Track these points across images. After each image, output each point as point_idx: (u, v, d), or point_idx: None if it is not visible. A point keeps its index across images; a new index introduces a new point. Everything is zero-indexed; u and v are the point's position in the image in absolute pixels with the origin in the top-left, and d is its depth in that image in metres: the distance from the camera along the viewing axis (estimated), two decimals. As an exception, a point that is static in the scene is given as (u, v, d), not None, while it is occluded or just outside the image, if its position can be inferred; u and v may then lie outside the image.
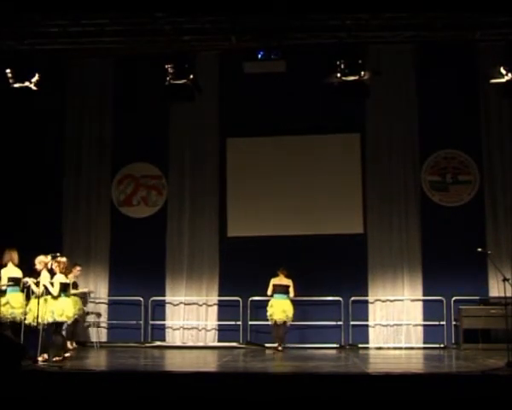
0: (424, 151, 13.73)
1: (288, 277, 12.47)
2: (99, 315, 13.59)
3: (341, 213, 13.75)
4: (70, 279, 12.15)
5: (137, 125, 13.91)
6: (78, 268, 12.75)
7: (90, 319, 13.32)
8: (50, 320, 10.02)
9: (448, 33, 11.53)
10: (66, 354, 10.44)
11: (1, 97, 11.95)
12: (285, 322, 12.40)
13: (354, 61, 11.32)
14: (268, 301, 12.51)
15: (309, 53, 12.48)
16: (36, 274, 10.11)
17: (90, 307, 13.32)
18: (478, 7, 10.60)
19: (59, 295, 10.16)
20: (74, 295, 12.39)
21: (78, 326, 12.77)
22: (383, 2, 10.65)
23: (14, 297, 10.23)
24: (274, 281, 12.47)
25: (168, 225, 14.04)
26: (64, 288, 10.36)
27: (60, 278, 10.28)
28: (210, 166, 14.07)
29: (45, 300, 9.91)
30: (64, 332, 11.09)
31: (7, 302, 10.19)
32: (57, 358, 10.03)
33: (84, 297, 12.72)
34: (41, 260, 10.12)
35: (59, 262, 10.36)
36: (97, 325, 13.49)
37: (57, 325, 10.25)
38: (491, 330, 12.36)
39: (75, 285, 12.56)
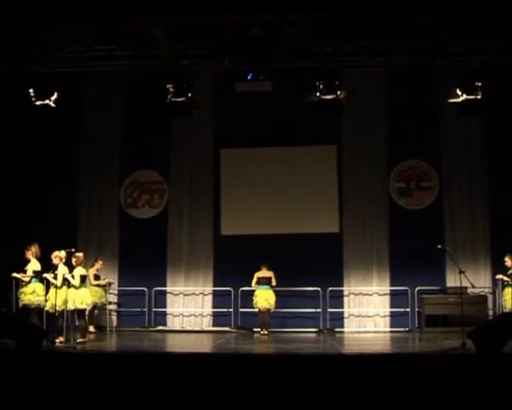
0: (392, 161, 13.82)
1: (269, 269, 12.51)
2: (119, 305, 13.60)
3: (320, 215, 13.80)
4: (92, 272, 12.28)
5: (142, 137, 13.88)
6: (100, 262, 12.80)
7: (111, 307, 13.28)
8: (72, 308, 10.05)
9: (412, 59, 11.57)
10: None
11: (25, 113, 11.96)
12: (268, 309, 12.44)
13: (331, 82, 11.35)
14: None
15: (292, 75, 12.50)
16: (53, 267, 10.13)
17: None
18: (439, 37, 10.71)
19: (79, 286, 10.20)
20: (98, 285, 12.45)
21: (95, 312, 12.76)
22: (356, 31, 10.69)
23: (38, 287, 10.41)
24: (258, 274, 12.53)
25: (169, 224, 14.06)
26: (82, 279, 10.40)
27: (80, 271, 10.33)
28: (206, 174, 14.09)
29: (66, 290, 9.93)
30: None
31: (33, 291, 10.36)
32: (81, 339, 10.06)
33: (105, 287, 12.69)
34: (56, 255, 10.19)
35: (76, 257, 10.41)
36: (116, 313, 13.52)
37: (79, 312, 10.27)
38: (449, 316, 12.45)
39: (97, 277, 12.61)
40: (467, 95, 11.22)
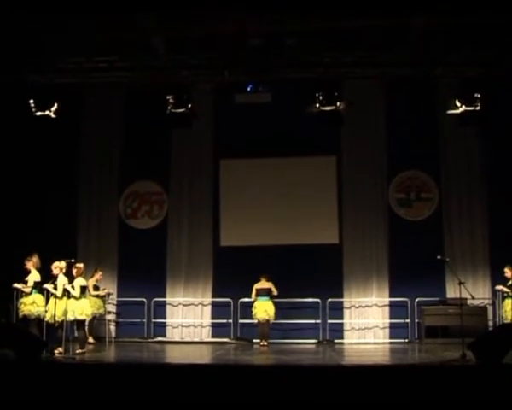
0: (391, 172, 13.84)
1: (268, 280, 12.51)
2: (118, 316, 13.58)
3: (320, 226, 13.79)
4: (91, 282, 12.24)
5: (142, 148, 13.92)
6: (100, 273, 12.76)
7: (110, 317, 13.23)
8: (72, 318, 10.05)
9: (412, 69, 11.63)
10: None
11: (25, 124, 11.99)
12: (268, 320, 12.44)
13: (331, 94, 11.40)
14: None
15: (292, 86, 12.55)
16: (53, 277, 10.12)
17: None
18: (438, 45, 10.78)
19: (79, 297, 10.20)
20: (97, 296, 12.41)
21: (95, 323, 12.72)
22: (356, 42, 10.77)
23: (38, 298, 10.44)
24: (256, 286, 12.54)
25: (168, 235, 14.05)
26: (83, 290, 10.39)
27: (80, 282, 10.33)
28: (205, 184, 14.10)
29: (66, 301, 9.92)
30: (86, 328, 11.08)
31: (33, 302, 10.38)
32: (80, 350, 10.04)
33: (104, 298, 12.66)
34: (56, 266, 10.19)
35: (77, 267, 10.41)
36: (115, 323, 13.48)
37: (79, 323, 10.25)
38: (449, 327, 12.40)
39: (97, 288, 12.58)
40: (466, 106, 11.27)
